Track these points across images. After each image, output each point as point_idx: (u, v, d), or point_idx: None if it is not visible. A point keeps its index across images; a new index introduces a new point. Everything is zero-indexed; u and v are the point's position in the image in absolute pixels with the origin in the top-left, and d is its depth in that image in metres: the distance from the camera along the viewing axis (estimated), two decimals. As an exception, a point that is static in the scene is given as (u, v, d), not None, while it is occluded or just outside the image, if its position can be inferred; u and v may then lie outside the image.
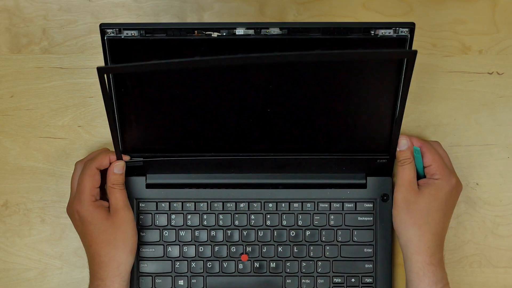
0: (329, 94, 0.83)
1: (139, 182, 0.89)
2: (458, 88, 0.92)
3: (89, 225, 0.83)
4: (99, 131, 0.91)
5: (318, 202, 0.89)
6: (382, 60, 0.80)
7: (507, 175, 0.92)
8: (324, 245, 0.89)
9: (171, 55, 0.79)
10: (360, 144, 0.87)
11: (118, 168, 0.85)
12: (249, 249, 0.89)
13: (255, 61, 0.77)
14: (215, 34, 0.78)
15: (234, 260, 0.89)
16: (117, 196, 0.84)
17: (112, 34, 0.77)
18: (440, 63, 0.92)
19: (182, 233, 0.89)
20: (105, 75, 0.75)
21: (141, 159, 0.87)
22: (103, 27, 0.77)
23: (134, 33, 0.77)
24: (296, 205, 0.90)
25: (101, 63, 0.91)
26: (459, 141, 0.92)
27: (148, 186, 0.89)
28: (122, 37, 0.77)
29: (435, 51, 0.92)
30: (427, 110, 0.92)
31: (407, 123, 0.92)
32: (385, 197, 0.89)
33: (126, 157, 0.86)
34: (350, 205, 0.90)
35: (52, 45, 0.91)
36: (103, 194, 0.87)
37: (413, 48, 0.75)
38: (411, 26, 0.77)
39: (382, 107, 0.83)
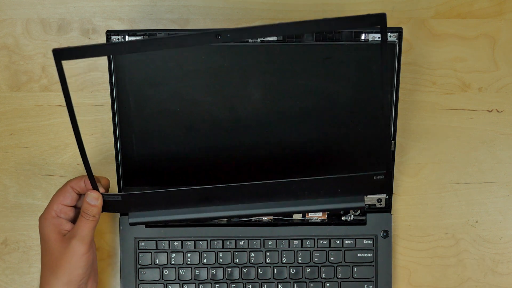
0: (323, 105, 0.85)
1: (139, 221, 0.89)
2: (458, 125, 0.92)
3: (41, 240, 0.82)
4: (98, 169, 0.91)
5: (317, 239, 0.89)
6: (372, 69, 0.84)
7: (507, 212, 0.92)
8: (324, 282, 0.89)
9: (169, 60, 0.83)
10: (356, 162, 0.87)
11: (90, 198, 0.81)
12: (249, 286, 0.89)
13: (240, 37, 0.74)
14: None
15: (234, 299, 0.89)
16: (81, 225, 0.81)
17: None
18: (440, 100, 0.92)
19: (182, 271, 0.89)
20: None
21: (120, 193, 0.85)
22: (109, 33, 0.82)
23: (138, 39, 0.81)
24: (295, 242, 0.90)
25: (101, 100, 0.91)
26: (459, 178, 0.92)
27: (148, 225, 0.89)
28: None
29: (435, 88, 0.92)
30: (427, 147, 0.92)
31: (407, 161, 0.92)
32: (385, 234, 0.89)
33: (102, 189, 0.82)
34: (350, 242, 0.90)
35: (51, 82, 0.91)
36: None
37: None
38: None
39: (375, 117, 0.85)
